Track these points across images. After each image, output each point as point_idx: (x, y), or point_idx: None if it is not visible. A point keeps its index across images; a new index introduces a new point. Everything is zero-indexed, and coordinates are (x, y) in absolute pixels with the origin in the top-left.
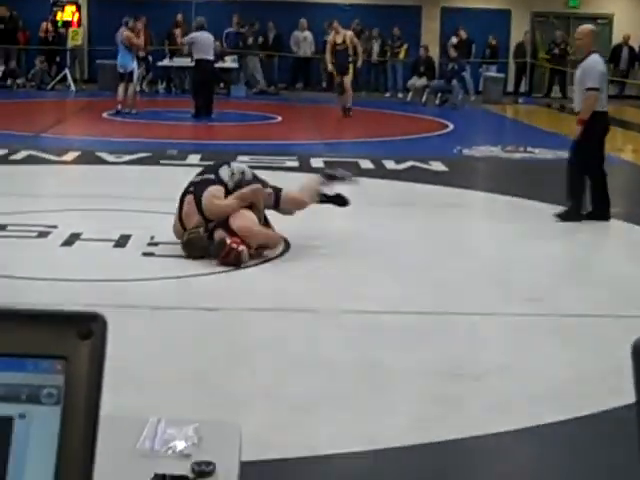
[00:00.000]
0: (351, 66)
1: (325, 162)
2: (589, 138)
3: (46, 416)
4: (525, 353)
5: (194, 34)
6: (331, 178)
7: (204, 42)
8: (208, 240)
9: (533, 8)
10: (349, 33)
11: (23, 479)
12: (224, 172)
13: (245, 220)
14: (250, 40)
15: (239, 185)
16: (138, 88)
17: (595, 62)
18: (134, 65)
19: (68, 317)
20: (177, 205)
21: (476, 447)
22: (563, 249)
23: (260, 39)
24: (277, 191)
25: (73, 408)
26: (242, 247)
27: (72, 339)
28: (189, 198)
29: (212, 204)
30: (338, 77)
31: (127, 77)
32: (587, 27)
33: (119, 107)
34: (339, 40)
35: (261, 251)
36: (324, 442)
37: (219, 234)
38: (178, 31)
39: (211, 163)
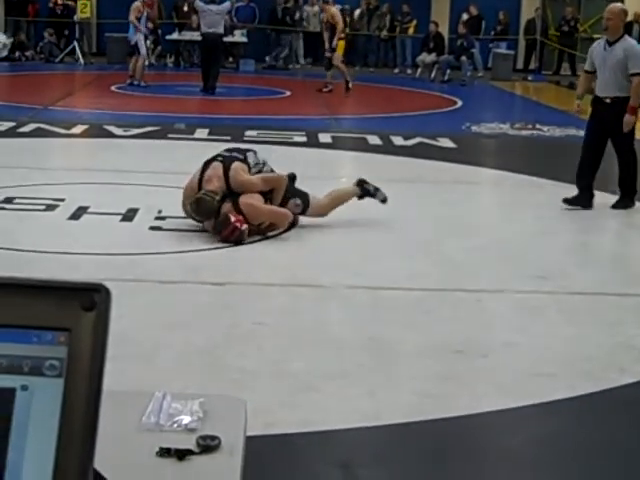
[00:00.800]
0: (341, 42)
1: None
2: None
3: (49, 388)
4: (532, 330)
5: (201, 5)
6: (367, 194)
7: (212, 15)
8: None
9: None
10: (332, 9)
11: (25, 450)
12: (251, 157)
13: (252, 199)
14: (297, 15)
15: (259, 172)
16: (147, 62)
17: (635, 45)
18: (136, 37)
19: (71, 288)
20: (199, 168)
21: (482, 424)
22: (572, 227)
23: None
24: (305, 203)
25: (76, 380)
26: (245, 226)
27: (76, 311)
28: (216, 164)
29: (240, 174)
30: (328, 53)
31: (133, 50)
32: (617, 6)
33: (129, 80)
34: (325, 18)
35: (265, 230)
36: (329, 418)
37: (226, 207)
38: (186, 6)
39: (239, 146)
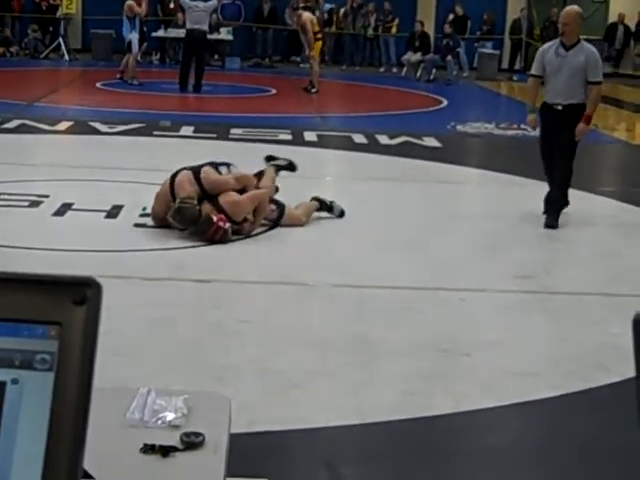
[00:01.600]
0: (317, 43)
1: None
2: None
3: (39, 382)
4: (515, 330)
5: (187, 2)
6: (323, 208)
7: (198, 11)
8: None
9: None
10: (302, 16)
11: (15, 444)
12: (224, 169)
13: (231, 196)
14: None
15: None
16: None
17: (596, 52)
18: (131, 36)
19: (63, 282)
20: (167, 179)
21: (465, 422)
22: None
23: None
24: (281, 210)
25: (66, 374)
26: (227, 224)
27: (67, 305)
28: (184, 172)
29: (211, 174)
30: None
31: (126, 47)
32: (573, 9)
33: (118, 75)
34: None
35: (249, 230)
36: (313, 415)
37: (206, 208)
38: (172, 3)
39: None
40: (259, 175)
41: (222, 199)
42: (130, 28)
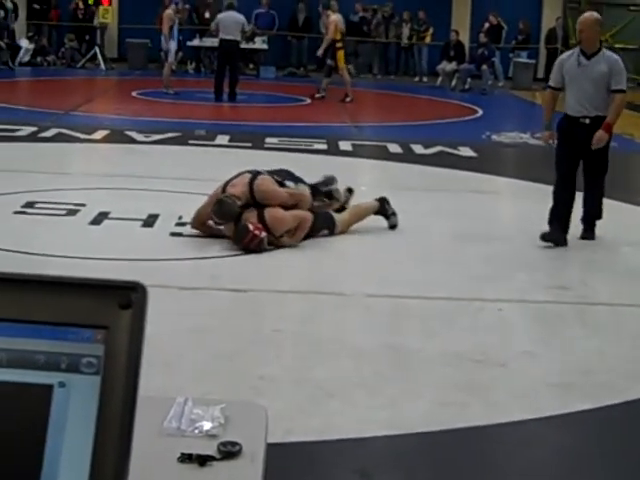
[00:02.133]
0: (340, 52)
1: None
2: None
3: (86, 385)
4: (551, 341)
5: (219, 15)
6: (383, 213)
7: (229, 22)
8: (237, 216)
9: None
10: (331, 17)
11: (62, 447)
12: (290, 184)
13: (278, 211)
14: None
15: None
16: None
17: (619, 60)
18: (168, 45)
19: (109, 286)
20: (228, 179)
21: (500, 434)
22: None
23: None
24: (331, 230)
25: (113, 378)
26: (264, 234)
27: (113, 309)
28: (245, 174)
29: (264, 184)
30: (329, 60)
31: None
32: (591, 16)
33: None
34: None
35: (284, 242)
36: (348, 426)
37: (249, 215)
38: (207, 12)
39: (290, 171)
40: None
41: (267, 212)
42: (169, 37)
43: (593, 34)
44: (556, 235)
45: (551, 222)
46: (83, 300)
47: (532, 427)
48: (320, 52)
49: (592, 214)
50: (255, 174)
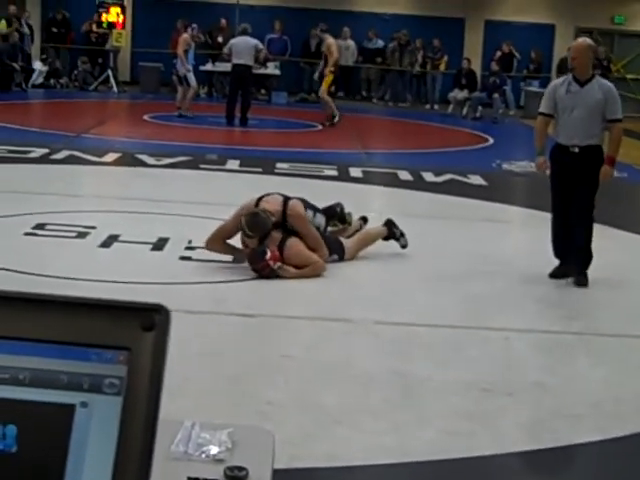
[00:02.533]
0: (329, 76)
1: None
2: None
3: (107, 406)
4: (559, 371)
5: (232, 40)
6: (392, 237)
7: (241, 47)
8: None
9: (577, 23)
10: (328, 40)
11: (83, 467)
12: (309, 213)
13: (300, 246)
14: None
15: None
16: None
17: (613, 87)
18: (185, 70)
19: (132, 308)
20: (250, 200)
21: (506, 464)
22: (600, 267)
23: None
24: (340, 256)
25: (135, 399)
26: (277, 264)
27: (136, 330)
28: (277, 195)
29: (299, 207)
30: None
31: (182, 81)
32: (584, 41)
33: (179, 111)
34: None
35: (289, 272)
36: (354, 452)
37: (275, 236)
38: (220, 37)
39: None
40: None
41: (289, 242)
42: (185, 61)
43: (586, 60)
44: (563, 270)
45: (557, 256)
46: (106, 321)
47: (539, 458)
48: (326, 72)
49: (582, 253)
50: (285, 196)
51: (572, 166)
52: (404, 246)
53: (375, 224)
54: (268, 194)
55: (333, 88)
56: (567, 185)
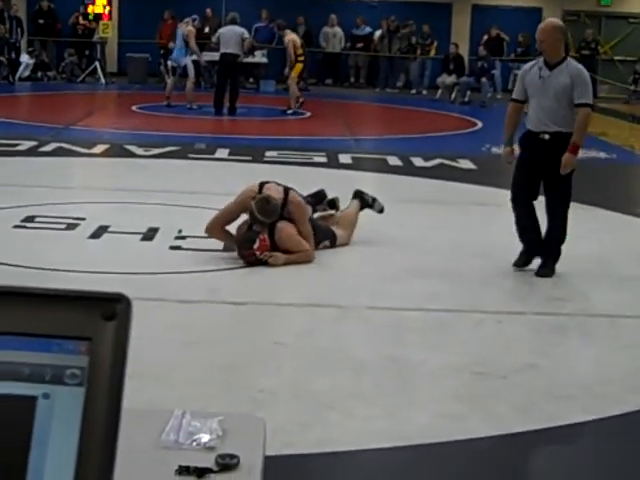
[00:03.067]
0: (298, 65)
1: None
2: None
3: (69, 397)
4: (551, 352)
5: (220, 29)
6: (365, 205)
7: (229, 35)
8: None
9: (564, 6)
10: (288, 36)
11: (45, 459)
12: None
13: (290, 227)
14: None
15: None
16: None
17: (583, 70)
18: (187, 60)
19: (93, 298)
20: (252, 186)
21: (500, 446)
22: (590, 249)
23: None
24: (332, 242)
25: (97, 389)
26: (265, 254)
27: (97, 320)
28: (273, 183)
29: (299, 199)
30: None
31: (181, 72)
32: (550, 22)
33: (167, 101)
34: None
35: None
36: (347, 438)
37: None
38: (207, 27)
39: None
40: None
41: (280, 224)
42: (185, 52)
43: (554, 42)
44: (525, 259)
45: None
46: (67, 312)
47: (532, 439)
48: (287, 72)
49: (551, 246)
50: (285, 186)
51: (541, 154)
52: (381, 210)
53: (366, 211)
54: (267, 182)
55: (303, 76)
56: (535, 174)
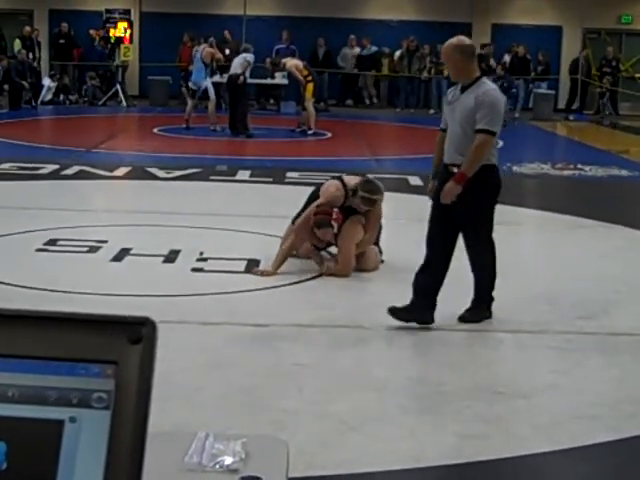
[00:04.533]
0: (309, 85)
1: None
2: (484, 204)
3: (96, 420)
4: (574, 372)
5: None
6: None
7: (236, 61)
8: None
9: (584, 24)
10: (288, 64)
11: None
12: None
13: (358, 226)
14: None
15: None
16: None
17: (497, 95)
18: (207, 82)
19: (119, 322)
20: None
21: (523, 466)
22: (614, 266)
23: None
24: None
25: (123, 412)
26: (333, 227)
27: (123, 344)
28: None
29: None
30: None
31: (200, 94)
32: (450, 43)
33: (186, 124)
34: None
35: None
36: (370, 459)
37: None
38: (227, 49)
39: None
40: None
41: (355, 217)
42: (205, 75)
43: (456, 63)
44: (416, 309)
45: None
46: (93, 336)
47: (555, 459)
48: (304, 82)
49: (477, 291)
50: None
51: None
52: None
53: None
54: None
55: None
56: (448, 212)
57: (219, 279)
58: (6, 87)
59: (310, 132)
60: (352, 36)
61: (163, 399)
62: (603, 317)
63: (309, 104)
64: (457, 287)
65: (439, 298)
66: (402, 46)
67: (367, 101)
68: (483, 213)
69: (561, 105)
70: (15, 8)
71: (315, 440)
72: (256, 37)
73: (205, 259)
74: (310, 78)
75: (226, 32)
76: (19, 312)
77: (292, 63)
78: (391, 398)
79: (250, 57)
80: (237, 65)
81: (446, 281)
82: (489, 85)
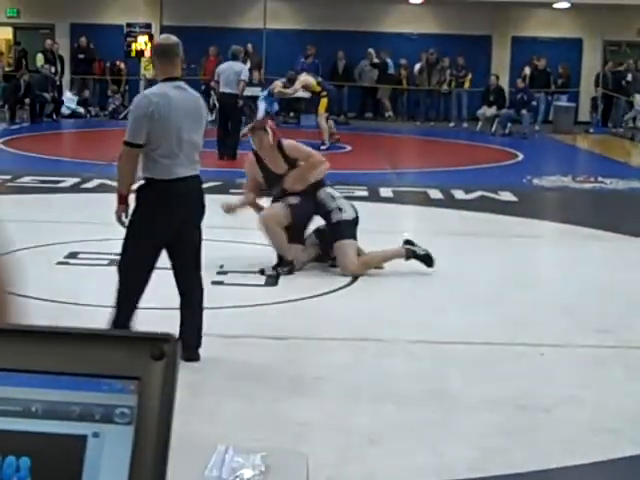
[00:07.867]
0: (323, 100)
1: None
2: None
3: (119, 435)
4: (595, 385)
5: (220, 66)
6: (414, 256)
7: (227, 74)
8: None
9: (605, 36)
10: (300, 80)
11: None
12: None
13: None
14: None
15: None
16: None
17: (138, 99)
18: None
19: (141, 338)
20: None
21: None
22: (634, 280)
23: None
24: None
25: (146, 428)
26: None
27: (145, 360)
28: None
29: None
30: None
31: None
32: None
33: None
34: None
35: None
36: (390, 472)
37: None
38: (249, 62)
39: None
40: None
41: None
42: (272, 100)
43: (154, 62)
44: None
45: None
46: (116, 352)
47: (577, 473)
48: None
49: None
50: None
51: None
52: (430, 262)
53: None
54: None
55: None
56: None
57: (239, 292)
58: (27, 101)
59: (324, 147)
60: (370, 50)
61: (183, 412)
62: (624, 330)
63: (322, 119)
64: (469, 301)
65: (458, 309)
66: (422, 59)
67: (386, 114)
68: (129, 234)
69: (582, 118)
70: (36, 22)
71: (335, 454)
72: (276, 51)
73: (225, 272)
74: (324, 93)
75: (249, 45)
76: (42, 328)
77: (302, 79)
78: (412, 411)
79: (245, 75)
80: (232, 82)
81: (460, 291)
82: (147, 90)
